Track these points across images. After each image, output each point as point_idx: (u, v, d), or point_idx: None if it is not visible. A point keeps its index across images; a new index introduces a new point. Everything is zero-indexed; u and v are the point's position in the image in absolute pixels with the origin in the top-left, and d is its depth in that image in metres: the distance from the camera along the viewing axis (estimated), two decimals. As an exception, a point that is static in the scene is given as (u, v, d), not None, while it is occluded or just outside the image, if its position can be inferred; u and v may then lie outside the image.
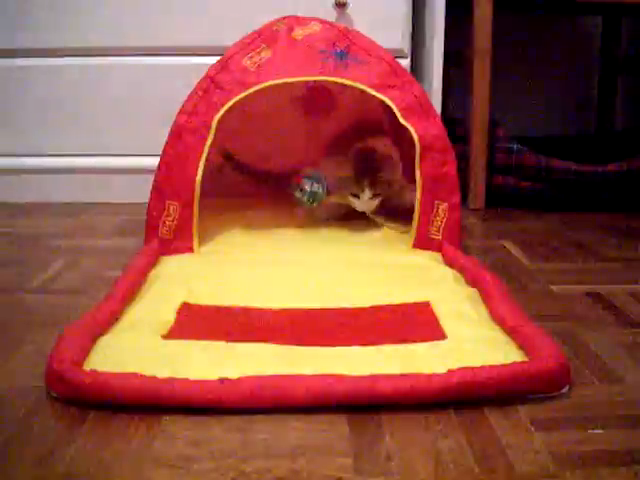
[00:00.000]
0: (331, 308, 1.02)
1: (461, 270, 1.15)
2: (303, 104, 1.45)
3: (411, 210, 1.28)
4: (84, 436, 0.70)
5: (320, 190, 1.37)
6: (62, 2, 1.67)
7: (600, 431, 0.71)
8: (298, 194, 1.42)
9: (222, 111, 1.24)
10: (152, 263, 1.17)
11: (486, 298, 1.01)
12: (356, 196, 1.35)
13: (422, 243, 1.28)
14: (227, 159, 1.62)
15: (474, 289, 1.06)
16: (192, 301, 1.03)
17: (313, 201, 1.39)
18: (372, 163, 1.34)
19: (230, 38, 1.35)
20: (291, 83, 1.28)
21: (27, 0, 1.67)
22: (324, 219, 1.46)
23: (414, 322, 0.96)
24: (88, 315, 0.90)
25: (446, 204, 1.27)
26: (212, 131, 1.24)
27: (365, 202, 1.35)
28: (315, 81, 1.37)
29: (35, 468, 0.65)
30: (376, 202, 1.36)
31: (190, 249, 1.25)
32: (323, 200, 1.40)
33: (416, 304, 1.02)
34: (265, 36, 1.31)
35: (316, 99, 1.43)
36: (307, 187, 1.39)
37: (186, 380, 0.75)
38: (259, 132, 1.57)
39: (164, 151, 1.26)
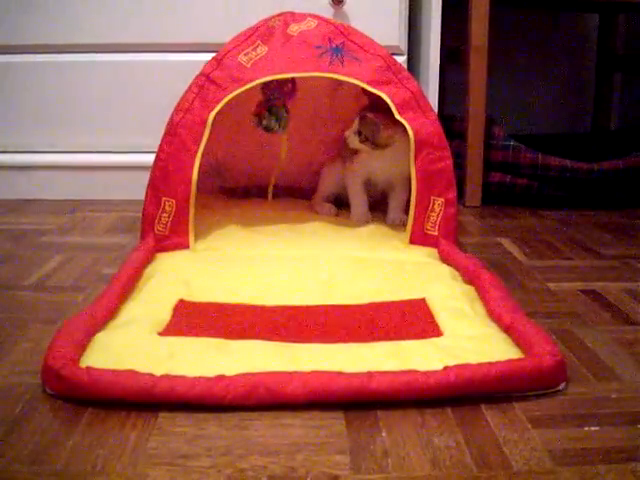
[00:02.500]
0: (327, 305, 1.02)
1: (458, 267, 1.15)
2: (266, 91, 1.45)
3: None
4: (80, 433, 0.70)
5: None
6: (59, -1, 1.67)
7: (596, 428, 0.71)
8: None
9: (218, 108, 1.24)
10: (148, 260, 1.17)
11: (483, 295, 1.01)
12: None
13: (418, 239, 1.28)
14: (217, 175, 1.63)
15: (471, 286, 1.07)
16: (188, 298, 1.03)
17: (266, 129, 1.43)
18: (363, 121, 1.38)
19: (226, 34, 1.35)
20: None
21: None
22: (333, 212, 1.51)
23: (410, 319, 0.96)
24: (84, 312, 0.90)
25: (442, 199, 1.27)
26: (208, 128, 1.24)
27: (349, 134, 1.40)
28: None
29: (31, 465, 0.65)
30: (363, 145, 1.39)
31: (186, 246, 1.25)
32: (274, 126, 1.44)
33: (412, 301, 1.02)
34: (261, 32, 1.30)
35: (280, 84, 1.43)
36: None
37: (182, 377, 0.75)
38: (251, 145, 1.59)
39: (160, 148, 1.25)
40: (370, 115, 1.35)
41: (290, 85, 1.42)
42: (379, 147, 1.36)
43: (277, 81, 1.39)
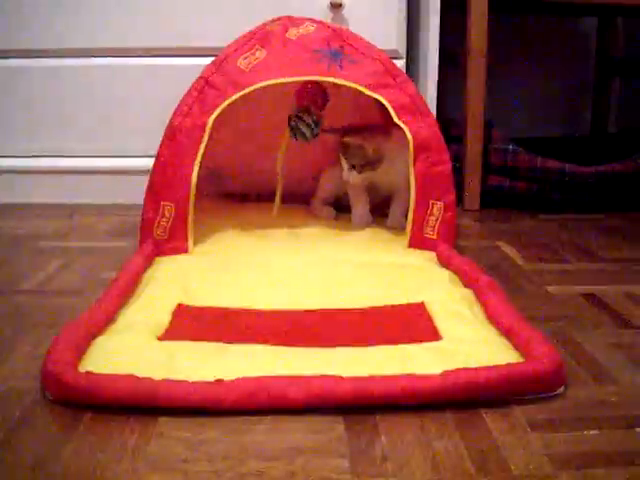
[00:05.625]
0: (327, 309, 1.02)
1: (456, 271, 1.15)
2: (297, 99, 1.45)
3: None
4: (80, 438, 0.70)
5: (299, 126, 1.39)
6: (60, 3, 1.67)
7: (596, 432, 0.71)
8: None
9: (217, 112, 1.24)
10: (147, 264, 1.17)
11: (482, 299, 1.01)
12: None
13: (417, 242, 1.28)
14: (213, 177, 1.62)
15: (469, 290, 1.06)
16: (187, 302, 1.03)
17: (296, 138, 1.40)
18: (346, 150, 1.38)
19: (225, 39, 1.35)
20: (284, 85, 1.28)
21: (25, 1, 1.67)
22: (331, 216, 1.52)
23: (409, 323, 0.96)
24: (83, 316, 0.90)
25: (441, 203, 1.27)
26: (207, 132, 1.24)
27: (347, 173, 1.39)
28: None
29: (31, 470, 0.64)
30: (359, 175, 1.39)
31: (185, 250, 1.25)
32: (308, 136, 1.40)
33: (411, 305, 1.02)
34: (259, 36, 1.31)
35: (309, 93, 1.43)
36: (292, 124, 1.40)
37: (182, 381, 0.75)
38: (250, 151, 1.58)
39: (159, 152, 1.25)
40: (347, 140, 1.36)
41: (320, 97, 1.41)
42: (378, 163, 1.37)
43: (310, 89, 1.39)
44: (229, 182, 1.64)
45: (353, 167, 1.37)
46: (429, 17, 1.69)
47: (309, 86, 1.39)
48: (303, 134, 1.37)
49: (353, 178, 1.38)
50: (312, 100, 1.39)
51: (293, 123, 1.37)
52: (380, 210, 1.47)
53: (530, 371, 0.78)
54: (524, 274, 1.23)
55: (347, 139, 1.36)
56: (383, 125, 1.39)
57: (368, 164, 1.36)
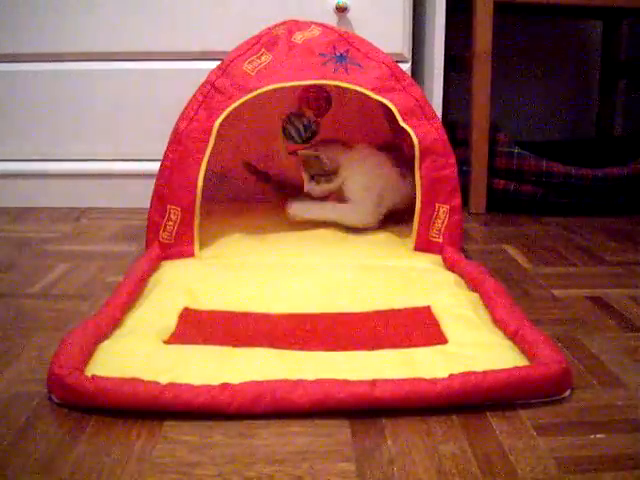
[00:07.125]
0: (332, 313, 1.02)
1: (462, 274, 1.14)
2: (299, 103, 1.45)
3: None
4: (85, 442, 0.70)
5: (289, 129, 1.40)
6: (62, 7, 1.67)
7: (602, 435, 0.71)
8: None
9: (223, 116, 1.24)
10: (153, 268, 1.17)
11: (488, 302, 1.01)
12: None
13: (423, 246, 1.28)
14: (248, 169, 1.62)
15: (476, 293, 1.06)
16: (193, 306, 1.03)
17: (287, 140, 1.42)
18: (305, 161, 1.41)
19: (230, 43, 1.35)
20: (289, 89, 1.29)
21: (27, 5, 1.67)
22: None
23: (415, 327, 0.96)
24: (89, 320, 0.90)
25: (447, 206, 1.27)
26: (213, 136, 1.24)
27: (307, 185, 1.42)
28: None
29: (37, 474, 0.65)
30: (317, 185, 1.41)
31: (191, 254, 1.25)
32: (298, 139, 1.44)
33: (417, 308, 1.02)
34: (265, 40, 1.31)
35: (311, 98, 1.43)
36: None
37: (188, 385, 0.75)
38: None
39: (165, 156, 1.26)
40: (303, 152, 1.39)
41: (322, 102, 1.42)
42: (334, 174, 1.39)
43: (312, 94, 1.40)
44: (235, 185, 1.64)
45: (312, 178, 1.40)
46: (434, 20, 1.69)
47: (311, 91, 1.40)
48: (292, 137, 1.38)
49: (313, 190, 1.41)
50: (314, 105, 1.40)
51: (284, 125, 1.39)
52: (389, 216, 1.47)
53: (536, 375, 0.77)
54: (530, 277, 1.23)
55: (303, 151, 1.39)
56: (345, 141, 1.42)
57: (325, 174, 1.39)
